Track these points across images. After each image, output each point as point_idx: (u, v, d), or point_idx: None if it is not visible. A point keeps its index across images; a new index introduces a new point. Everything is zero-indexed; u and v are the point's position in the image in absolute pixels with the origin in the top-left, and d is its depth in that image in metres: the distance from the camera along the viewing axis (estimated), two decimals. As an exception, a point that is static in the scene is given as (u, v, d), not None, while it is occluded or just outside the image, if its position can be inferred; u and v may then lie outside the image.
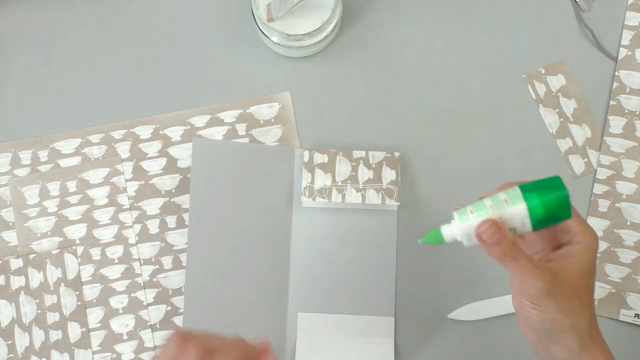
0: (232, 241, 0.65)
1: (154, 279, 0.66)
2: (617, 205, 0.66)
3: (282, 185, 0.66)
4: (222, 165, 0.66)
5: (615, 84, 0.68)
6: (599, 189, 0.67)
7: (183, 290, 0.65)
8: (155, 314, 0.65)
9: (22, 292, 0.65)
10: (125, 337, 0.65)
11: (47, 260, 0.66)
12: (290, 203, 0.66)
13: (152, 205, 0.67)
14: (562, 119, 0.68)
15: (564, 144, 0.68)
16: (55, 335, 0.65)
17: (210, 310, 0.64)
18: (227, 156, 0.67)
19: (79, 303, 0.65)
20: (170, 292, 0.65)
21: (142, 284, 0.66)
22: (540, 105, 0.68)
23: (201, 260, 0.65)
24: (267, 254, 0.65)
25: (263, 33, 0.65)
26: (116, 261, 0.66)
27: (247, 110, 0.68)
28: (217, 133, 0.68)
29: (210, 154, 0.66)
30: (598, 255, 0.65)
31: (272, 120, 0.68)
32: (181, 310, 0.65)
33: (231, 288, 0.64)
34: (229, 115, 0.68)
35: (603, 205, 0.66)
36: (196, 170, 0.66)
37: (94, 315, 0.65)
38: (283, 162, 0.67)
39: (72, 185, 0.67)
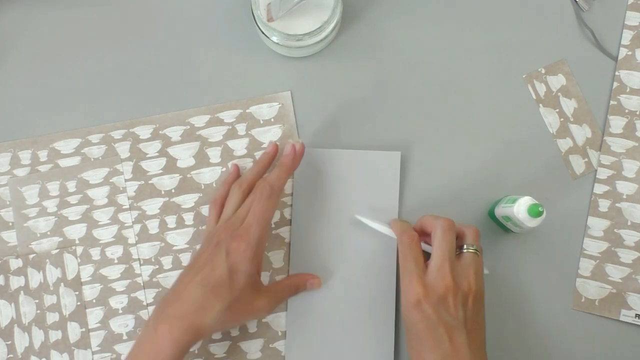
0: (332, 246, 0.65)
1: (154, 279, 0.66)
2: (617, 205, 0.66)
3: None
4: (325, 174, 0.66)
5: (615, 84, 0.68)
6: (599, 189, 0.67)
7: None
8: (155, 314, 0.65)
9: (22, 292, 0.65)
10: (125, 337, 0.65)
11: (47, 260, 0.66)
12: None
13: (152, 205, 0.67)
14: (562, 119, 0.68)
15: (564, 144, 0.67)
16: (55, 335, 0.65)
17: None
18: (331, 164, 0.66)
19: (78, 303, 0.65)
20: (170, 292, 0.65)
21: (142, 284, 0.65)
22: (540, 105, 0.68)
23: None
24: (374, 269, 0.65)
25: (263, 33, 0.65)
26: (116, 261, 0.66)
27: (247, 110, 0.68)
28: (217, 133, 0.68)
29: (315, 163, 0.66)
30: (598, 255, 0.65)
31: (272, 120, 0.68)
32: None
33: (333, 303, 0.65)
34: (228, 115, 0.68)
35: (603, 205, 0.66)
36: (299, 180, 0.66)
37: (94, 315, 0.65)
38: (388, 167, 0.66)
39: (71, 185, 0.67)
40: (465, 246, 0.59)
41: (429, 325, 0.55)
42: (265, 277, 0.65)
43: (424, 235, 0.61)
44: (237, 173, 0.66)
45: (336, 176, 0.66)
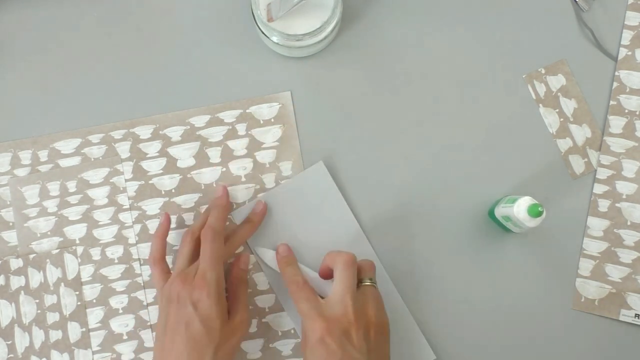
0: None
1: (154, 279, 0.66)
2: (617, 205, 0.66)
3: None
4: (271, 217, 0.66)
5: (615, 84, 0.68)
6: (599, 189, 0.67)
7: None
8: (155, 314, 0.65)
9: (22, 292, 0.65)
10: (125, 337, 0.65)
11: (47, 260, 0.66)
12: None
13: (152, 205, 0.67)
14: (562, 119, 0.68)
15: (564, 144, 0.68)
16: (55, 335, 0.65)
17: None
18: (270, 206, 0.66)
19: (79, 303, 0.65)
20: (170, 292, 0.65)
21: (142, 284, 0.66)
22: (540, 105, 0.68)
23: None
24: None
25: (263, 33, 0.65)
26: (116, 261, 0.66)
27: (247, 110, 0.68)
28: (217, 133, 0.68)
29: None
30: (598, 255, 0.65)
31: (272, 120, 0.68)
32: (181, 310, 0.65)
33: None
34: (229, 115, 0.68)
35: (603, 205, 0.66)
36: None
37: (94, 315, 0.65)
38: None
39: (72, 185, 0.67)
40: (362, 279, 0.59)
41: None
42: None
43: (329, 271, 0.60)
44: (168, 223, 0.65)
45: (282, 214, 0.66)
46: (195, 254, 0.61)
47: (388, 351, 0.58)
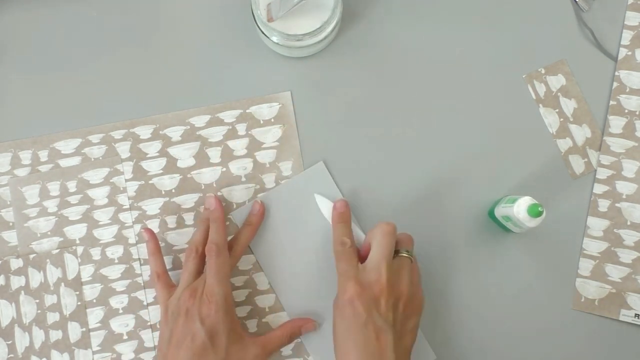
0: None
1: (154, 279, 0.66)
2: (617, 205, 0.66)
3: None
4: (270, 217, 0.66)
5: (615, 84, 0.68)
6: (599, 189, 0.67)
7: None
8: (155, 314, 0.65)
9: (22, 292, 0.65)
10: (125, 337, 0.65)
11: (47, 260, 0.66)
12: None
13: (152, 205, 0.67)
14: (562, 119, 0.68)
15: (564, 144, 0.68)
16: (55, 335, 0.65)
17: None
18: (269, 207, 0.66)
19: (79, 303, 0.65)
20: (170, 292, 0.65)
21: (142, 284, 0.66)
22: (540, 105, 0.68)
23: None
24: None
25: (263, 33, 0.65)
26: (116, 261, 0.66)
27: (247, 110, 0.68)
28: (217, 133, 0.68)
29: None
30: (598, 255, 0.65)
31: (272, 120, 0.68)
32: (181, 310, 0.65)
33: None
34: (229, 115, 0.68)
35: (603, 205, 0.66)
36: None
37: (94, 315, 0.65)
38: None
39: (72, 185, 0.67)
40: (399, 251, 0.60)
41: (358, 323, 0.55)
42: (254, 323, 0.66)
43: (370, 250, 0.60)
44: (154, 237, 0.65)
45: (282, 214, 0.66)
46: (200, 269, 0.62)
47: (415, 325, 0.58)
